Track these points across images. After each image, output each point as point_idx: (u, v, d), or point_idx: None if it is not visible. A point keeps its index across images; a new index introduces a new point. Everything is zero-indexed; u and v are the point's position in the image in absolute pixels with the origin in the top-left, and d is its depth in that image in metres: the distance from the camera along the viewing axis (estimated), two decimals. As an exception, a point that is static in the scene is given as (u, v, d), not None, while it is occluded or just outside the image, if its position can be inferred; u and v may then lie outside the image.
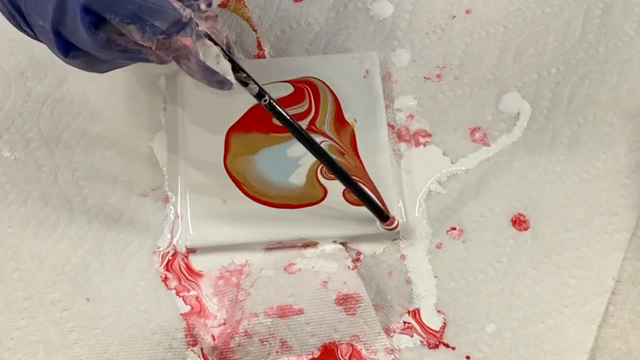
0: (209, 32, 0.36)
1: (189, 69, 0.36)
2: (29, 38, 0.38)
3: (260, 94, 0.39)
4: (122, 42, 0.35)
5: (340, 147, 0.47)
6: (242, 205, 0.46)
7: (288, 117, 0.40)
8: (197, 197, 0.46)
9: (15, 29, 0.38)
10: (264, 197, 0.46)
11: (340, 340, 0.43)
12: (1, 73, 0.49)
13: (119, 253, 0.45)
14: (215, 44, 0.36)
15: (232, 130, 0.48)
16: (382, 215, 0.44)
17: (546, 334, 0.43)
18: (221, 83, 0.37)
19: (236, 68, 0.37)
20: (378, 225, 0.45)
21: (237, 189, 0.46)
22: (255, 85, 0.39)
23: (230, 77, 0.37)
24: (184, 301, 0.44)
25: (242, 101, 0.48)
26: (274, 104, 0.39)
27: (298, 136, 0.41)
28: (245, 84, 0.38)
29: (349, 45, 0.52)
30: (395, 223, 0.44)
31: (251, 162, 0.47)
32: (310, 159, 0.47)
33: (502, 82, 0.50)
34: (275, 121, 0.48)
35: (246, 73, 0.38)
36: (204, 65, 0.35)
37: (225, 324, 0.44)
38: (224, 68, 0.36)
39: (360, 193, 0.43)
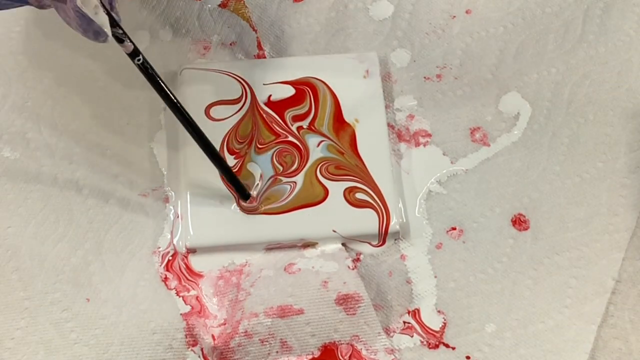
0: None
1: (67, 15, 0.37)
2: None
3: (134, 53, 0.39)
4: None
5: (339, 147, 0.47)
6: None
7: (160, 81, 0.40)
8: (197, 197, 0.46)
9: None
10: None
11: (340, 340, 0.43)
12: (1, 73, 0.49)
13: (119, 253, 0.45)
14: None
15: (231, 131, 0.48)
16: (244, 193, 0.44)
17: (546, 334, 0.43)
18: (97, 34, 0.37)
19: (113, 23, 0.38)
20: (235, 206, 0.46)
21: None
22: (130, 44, 0.39)
23: (107, 29, 0.37)
24: (184, 301, 0.44)
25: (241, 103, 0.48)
26: (147, 65, 0.39)
27: (168, 102, 0.40)
28: (120, 41, 0.38)
29: (349, 45, 0.52)
30: (255, 204, 0.45)
31: (248, 163, 0.47)
32: (310, 159, 0.47)
33: (502, 82, 0.50)
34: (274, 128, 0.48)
35: (123, 30, 0.38)
36: (81, 12, 0.36)
37: (225, 324, 0.44)
38: (101, 20, 0.37)
39: (224, 169, 0.43)
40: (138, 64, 0.39)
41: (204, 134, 0.42)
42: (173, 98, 0.40)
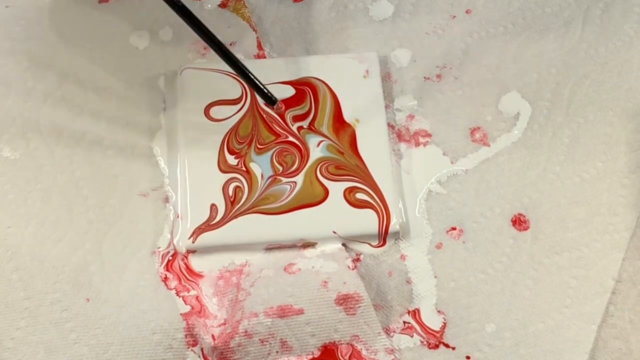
0: None
1: None
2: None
3: None
4: None
5: (339, 147, 0.47)
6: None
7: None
8: (197, 197, 0.46)
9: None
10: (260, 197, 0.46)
11: (340, 340, 0.43)
12: (1, 73, 0.49)
13: (119, 253, 0.45)
14: None
15: (231, 131, 0.48)
16: (270, 98, 0.47)
17: (546, 334, 0.43)
18: None
19: None
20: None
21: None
22: None
23: None
24: (184, 301, 0.44)
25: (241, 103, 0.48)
26: None
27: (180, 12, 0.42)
28: None
29: (349, 45, 0.52)
30: (282, 108, 0.47)
31: (249, 163, 0.47)
32: (310, 159, 0.47)
33: (502, 82, 0.50)
34: (277, 126, 0.48)
35: None
36: None
37: (225, 324, 0.44)
38: None
39: (246, 77, 0.45)
40: None
41: (229, 51, 0.44)
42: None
